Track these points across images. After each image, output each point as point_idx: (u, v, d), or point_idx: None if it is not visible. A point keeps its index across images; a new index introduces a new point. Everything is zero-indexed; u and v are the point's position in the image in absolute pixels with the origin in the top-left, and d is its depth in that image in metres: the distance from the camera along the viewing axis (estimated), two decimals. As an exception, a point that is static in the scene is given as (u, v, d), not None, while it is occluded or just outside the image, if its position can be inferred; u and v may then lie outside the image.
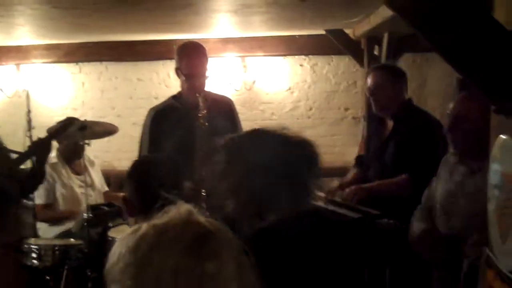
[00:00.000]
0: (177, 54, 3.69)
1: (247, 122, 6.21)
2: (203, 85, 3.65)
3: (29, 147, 3.23)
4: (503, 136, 1.72)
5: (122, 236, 1.18)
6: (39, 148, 3.23)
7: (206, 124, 3.52)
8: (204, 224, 1.17)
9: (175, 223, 1.17)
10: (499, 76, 1.63)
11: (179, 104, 3.74)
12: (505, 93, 1.67)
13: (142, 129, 3.81)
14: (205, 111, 3.52)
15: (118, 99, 6.48)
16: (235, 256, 1.16)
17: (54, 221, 4.95)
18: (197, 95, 3.54)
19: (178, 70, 3.69)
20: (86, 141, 4.32)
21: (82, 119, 4.24)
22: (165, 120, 3.70)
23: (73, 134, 4.29)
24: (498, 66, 1.62)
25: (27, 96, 4.32)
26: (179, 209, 1.20)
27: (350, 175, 4.05)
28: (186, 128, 3.58)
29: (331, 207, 3.35)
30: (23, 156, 3.22)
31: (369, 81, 3.75)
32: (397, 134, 3.62)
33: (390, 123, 3.72)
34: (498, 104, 1.75)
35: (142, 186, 2.41)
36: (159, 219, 1.19)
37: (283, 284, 1.65)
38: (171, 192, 2.14)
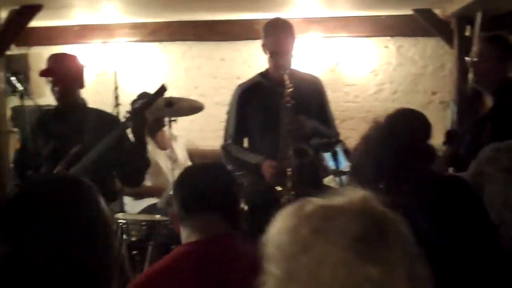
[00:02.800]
0: (264, 30, 3.66)
1: (331, 103, 6.16)
2: (289, 62, 3.61)
3: (127, 117, 3.23)
4: None
5: (285, 211, 1.06)
6: (134, 118, 3.23)
7: (292, 102, 3.48)
8: (379, 216, 1.01)
9: (345, 209, 1.02)
10: None
11: (266, 82, 3.71)
12: None
13: (229, 106, 3.81)
14: (291, 89, 3.48)
15: (202, 78, 6.52)
16: (408, 263, 0.98)
17: (139, 195, 5.04)
18: (283, 72, 3.50)
19: (264, 47, 3.65)
20: (173, 118, 4.34)
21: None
22: (251, 97, 3.69)
23: (160, 110, 4.34)
24: None
25: (115, 73, 4.40)
26: (353, 194, 1.05)
27: (440, 153, 3.87)
28: (272, 106, 3.55)
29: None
30: (121, 127, 3.23)
31: (474, 49, 3.51)
32: (497, 113, 3.41)
33: (487, 101, 3.48)
34: None
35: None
36: (328, 201, 1.04)
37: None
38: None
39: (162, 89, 3.37)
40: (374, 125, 1.96)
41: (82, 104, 3.48)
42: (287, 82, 3.49)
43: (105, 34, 6.54)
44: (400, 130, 1.91)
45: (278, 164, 3.49)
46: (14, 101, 5.65)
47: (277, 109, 3.52)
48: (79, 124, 3.40)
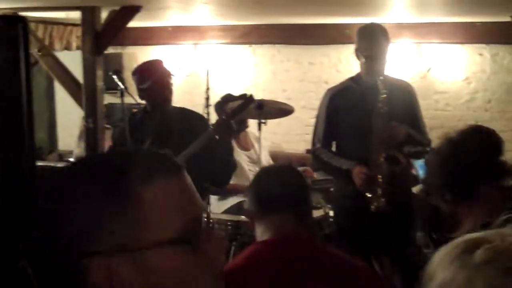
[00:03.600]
0: (358, 35, 3.63)
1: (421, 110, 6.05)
2: (383, 68, 3.57)
3: (212, 128, 3.30)
4: None
5: (447, 253, 0.91)
6: (221, 129, 3.30)
7: (385, 108, 3.44)
8: None
9: None
10: None
11: (357, 86, 3.68)
12: None
13: (318, 110, 3.80)
14: (385, 95, 3.44)
15: (289, 81, 6.54)
16: None
17: (223, 194, 5.11)
18: (377, 78, 3.47)
19: (357, 52, 3.62)
20: (262, 120, 4.37)
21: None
22: (342, 101, 3.66)
23: (250, 112, 4.38)
24: None
25: (207, 74, 4.45)
26: None
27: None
28: (364, 111, 3.52)
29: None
30: (207, 136, 3.30)
31: None
32: None
33: None
34: None
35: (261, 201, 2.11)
36: (501, 241, 0.88)
37: None
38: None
39: (249, 99, 3.40)
40: (446, 141, 2.00)
41: (170, 106, 3.58)
42: (381, 87, 3.45)
43: (197, 36, 6.67)
44: (472, 146, 1.96)
45: (369, 170, 3.45)
46: (107, 99, 5.87)
47: (369, 115, 3.48)
48: (169, 124, 3.50)
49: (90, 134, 4.45)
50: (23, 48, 2.27)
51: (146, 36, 6.80)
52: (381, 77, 3.47)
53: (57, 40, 5.69)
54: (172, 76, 3.55)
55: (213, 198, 5.11)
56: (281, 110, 4.44)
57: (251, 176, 4.97)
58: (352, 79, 3.77)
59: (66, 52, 5.77)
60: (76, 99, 4.65)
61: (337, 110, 3.67)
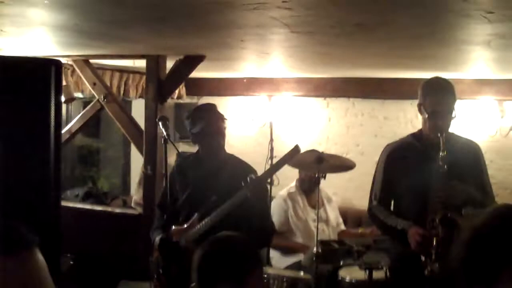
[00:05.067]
0: (421, 89, 3.45)
1: (502, 172, 5.70)
2: (447, 124, 3.35)
3: (245, 186, 3.16)
4: None
5: None
6: (256, 187, 3.16)
7: (446, 167, 3.22)
8: None
9: None
10: None
11: (417, 143, 3.48)
12: None
13: (377, 165, 3.62)
14: (445, 153, 3.22)
15: (363, 136, 6.37)
16: None
17: (286, 250, 4.97)
18: (439, 134, 3.26)
19: (421, 106, 3.44)
20: (322, 174, 4.23)
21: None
22: (401, 158, 3.47)
23: (310, 166, 4.26)
24: None
25: (271, 125, 4.42)
26: None
27: None
28: (423, 169, 3.31)
29: None
30: (240, 195, 3.18)
31: None
32: None
33: None
34: None
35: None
36: None
37: None
38: None
39: (294, 151, 3.24)
40: (472, 230, 1.63)
41: (222, 152, 3.49)
42: (442, 145, 3.24)
43: (272, 88, 6.66)
44: (504, 232, 1.57)
45: (425, 232, 3.22)
46: (182, 147, 5.93)
47: (429, 173, 3.27)
48: (215, 172, 3.41)
49: (148, 181, 4.46)
50: (54, 90, 2.27)
51: (221, 87, 6.85)
52: (444, 134, 3.26)
53: (132, 88, 5.82)
54: (225, 120, 3.46)
55: (276, 253, 5.00)
56: (343, 165, 4.30)
57: (318, 235, 4.82)
58: (413, 135, 3.58)
59: (141, 100, 5.88)
60: (138, 146, 4.69)
61: (395, 167, 3.48)
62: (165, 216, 3.42)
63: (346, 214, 5.77)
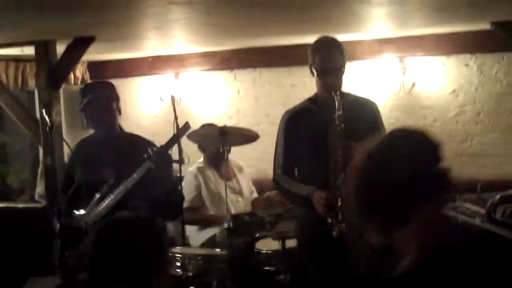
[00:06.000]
0: (311, 50, 3.45)
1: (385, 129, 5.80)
2: (338, 82, 3.36)
3: (148, 160, 3.13)
4: None
5: None
6: (158, 159, 3.13)
7: (342, 125, 3.22)
8: None
9: None
10: None
11: (314, 106, 3.47)
12: None
13: (277, 134, 3.59)
14: (341, 112, 3.22)
15: (272, 106, 6.34)
16: None
17: (202, 225, 4.92)
18: (333, 93, 3.26)
19: (311, 67, 3.43)
20: (227, 147, 4.19)
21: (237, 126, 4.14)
22: (298, 123, 3.46)
23: (213, 140, 4.21)
24: None
25: (173, 101, 4.29)
26: None
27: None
28: (321, 131, 3.30)
29: (487, 226, 2.86)
30: (143, 169, 3.14)
31: None
32: None
33: None
34: None
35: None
36: None
37: None
38: None
39: (185, 127, 3.24)
40: (365, 155, 1.58)
41: (118, 131, 3.41)
42: (336, 103, 3.24)
43: (177, 64, 6.55)
44: (401, 155, 1.50)
45: (329, 194, 3.22)
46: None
47: (327, 135, 3.26)
48: (112, 150, 3.32)
49: (49, 172, 4.29)
50: None
51: (126, 68, 6.68)
52: (337, 93, 3.26)
53: (30, 77, 5.58)
54: (116, 99, 3.37)
55: (192, 229, 4.94)
56: (246, 137, 4.26)
57: (232, 206, 4.79)
58: (309, 99, 3.58)
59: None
60: (35, 137, 4.50)
61: (294, 133, 3.46)
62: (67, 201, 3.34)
63: (262, 185, 5.75)
